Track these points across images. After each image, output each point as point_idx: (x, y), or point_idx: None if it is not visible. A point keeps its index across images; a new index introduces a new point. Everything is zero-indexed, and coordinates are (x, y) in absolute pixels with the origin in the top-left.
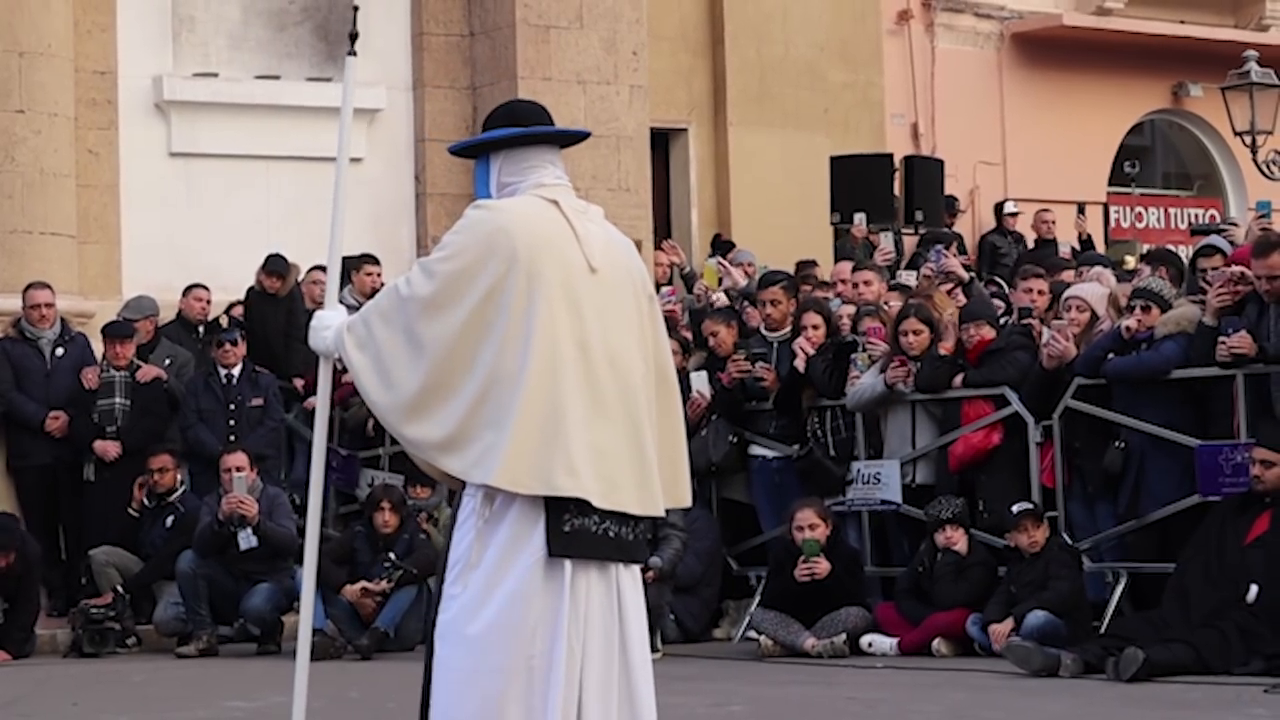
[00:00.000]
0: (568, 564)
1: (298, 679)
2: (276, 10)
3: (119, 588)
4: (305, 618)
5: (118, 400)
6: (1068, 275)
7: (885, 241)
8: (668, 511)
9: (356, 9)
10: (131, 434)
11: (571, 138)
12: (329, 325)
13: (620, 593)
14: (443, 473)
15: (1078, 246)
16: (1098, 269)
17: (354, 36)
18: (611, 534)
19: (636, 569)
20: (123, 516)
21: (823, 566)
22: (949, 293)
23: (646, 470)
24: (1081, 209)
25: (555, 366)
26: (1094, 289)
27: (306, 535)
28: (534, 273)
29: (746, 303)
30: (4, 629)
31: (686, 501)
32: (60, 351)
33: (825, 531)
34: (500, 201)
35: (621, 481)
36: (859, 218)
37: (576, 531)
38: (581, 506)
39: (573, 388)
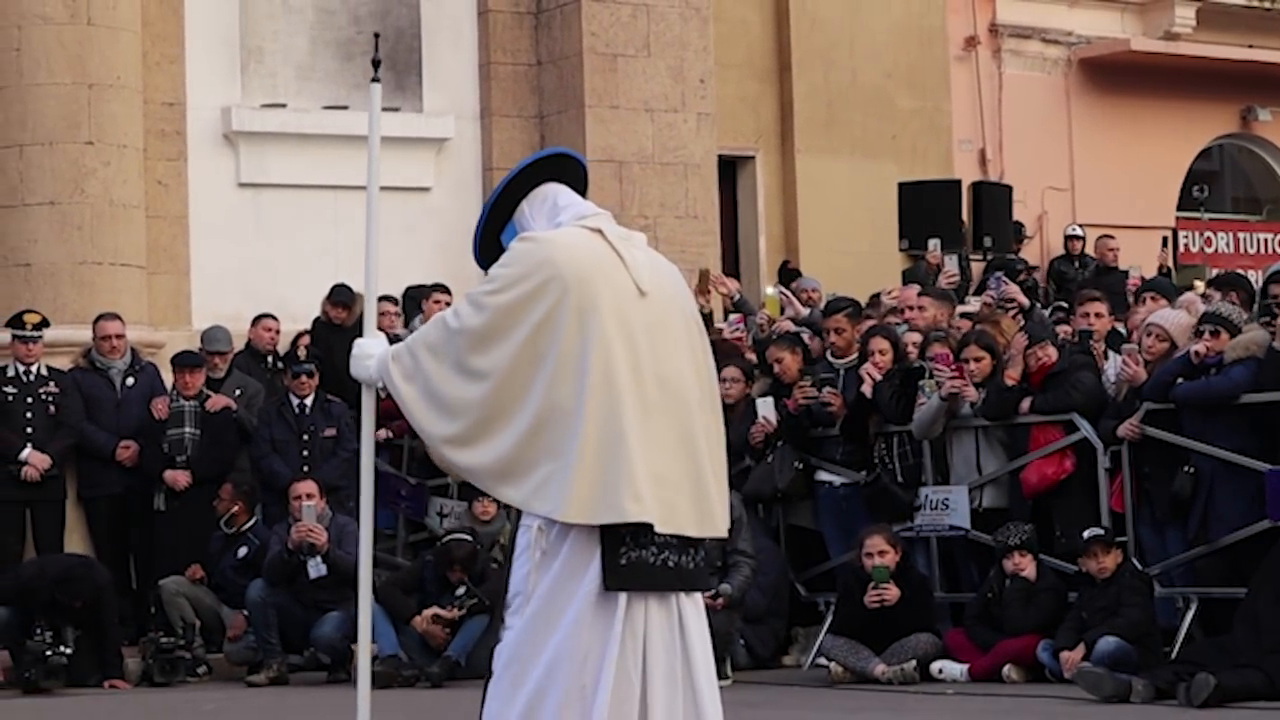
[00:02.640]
0: (622, 595)
1: (360, 708)
2: (344, 40)
3: (186, 617)
4: (364, 646)
5: (187, 430)
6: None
7: (950, 265)
8: (734, 534)
9: (378, 35)
10: (201, 464)
11: (550, 165)
12: (371, 355)
13: (683, 621)
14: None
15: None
16: (1189, 296)
17: (377, 63)
18: (671, 564)
19: (699, 596)
20: (193, 545)
21: (892, 593)
22: (1012, 318)
23: (704, 491)
24: (1166, 241)
25: (612, 394)
26: (1179, 318)
27: (360, 560)
28: (585, 301)
29: (810, 331)
30: (75, 658)
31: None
32: (130, 381)
33: (894, 558)
34: (546, 233)
35: (679, 504)
36: (933, 243)
37: (633, 564)
38: (638, 538)
39: (630, 414)
